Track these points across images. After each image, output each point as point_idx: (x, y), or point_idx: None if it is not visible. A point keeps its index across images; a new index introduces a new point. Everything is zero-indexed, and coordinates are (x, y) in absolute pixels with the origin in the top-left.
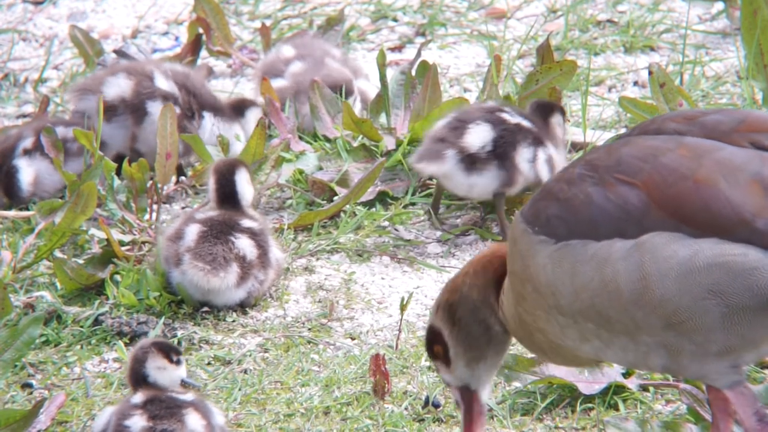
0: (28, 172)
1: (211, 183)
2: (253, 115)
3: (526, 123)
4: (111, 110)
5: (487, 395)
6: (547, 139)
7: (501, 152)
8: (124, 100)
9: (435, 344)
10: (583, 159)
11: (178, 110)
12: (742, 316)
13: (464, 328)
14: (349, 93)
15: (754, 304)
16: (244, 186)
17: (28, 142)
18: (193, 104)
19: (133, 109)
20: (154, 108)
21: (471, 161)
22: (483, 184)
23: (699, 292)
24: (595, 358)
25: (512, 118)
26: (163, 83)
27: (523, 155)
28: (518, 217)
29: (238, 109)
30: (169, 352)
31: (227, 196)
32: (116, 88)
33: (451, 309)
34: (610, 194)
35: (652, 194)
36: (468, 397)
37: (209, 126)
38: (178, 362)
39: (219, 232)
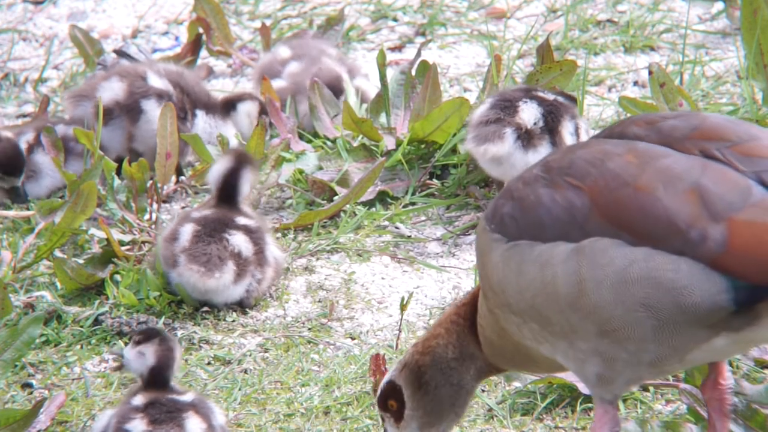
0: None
1: (216, 170)
2: (244, 108)
3: (561, 98)
4: (107, 114)
5: None
6: (575, 111)
7: (551, 128)
8: (118, 103)
9: (390, 399)
10: (544, 159)
11: None
12: (673, 329)
13: (432, 392)
14: (339, 92)
15: (684, 320)
16: (245, 182)
17: (28, 138)
18: (186, 103)
19: (128, 109)
20: (149, 106)
21: (528, 138)
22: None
23: (632, 303)
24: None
25: (548, 95)
26: (157, 82)
27: (567, 129)
28: (483, 214)
29: (230, 103)
30: None
31: (229, 187)
32: (110, 92)
33: (420, 371)
34: (558, 197)
35: (595, 199)
36: None
37: (201, 124)
38: None
39: (213, 230)
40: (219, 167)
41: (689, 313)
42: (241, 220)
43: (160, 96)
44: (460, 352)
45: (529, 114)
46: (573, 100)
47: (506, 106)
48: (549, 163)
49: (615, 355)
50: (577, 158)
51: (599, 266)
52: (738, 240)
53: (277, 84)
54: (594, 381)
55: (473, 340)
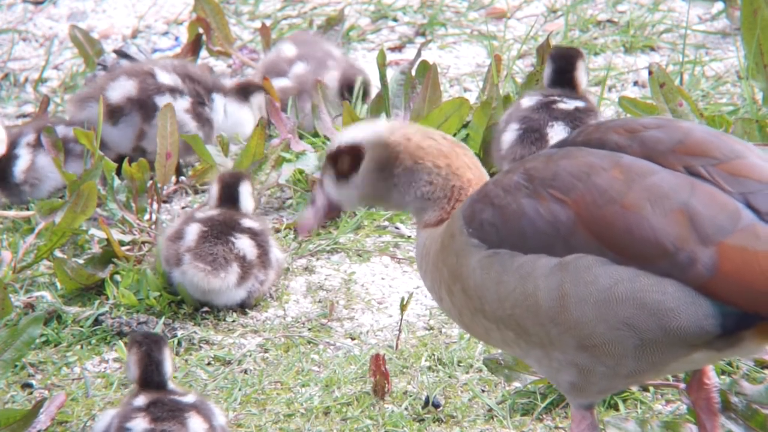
0: (25, 160)
1: (214, 191)
2: (256, 101)
3: (580, 104)
4: (117, 112)
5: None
6: (593, 108)
7: None
8: (130, 99)
9: (347, 158)
10: (523, 166)
11: (188, 101)
12: (654, 348)
13: (387, 181)
14: (368, 86)
15: (667, 341)
16: (247, 198)
17: (28, 139)
18: (200, 90)
19: (141, 105)
20: (163, 101)
21: None
22: None
23: (615, 322)
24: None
25: (568, 105)
26: (166, 78)
27: None
28: (458, 213)
29: (243, 92)
30: None
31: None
32: (120, 90)
33: (395, 163)
34: (541, 209)
35: (581, 214)
36: (326, 205)
37: (221, 107)
38: None
39: (219, 232)
40: (214, 190)
41: (673, 335)
42: (246, 223)
43: (173, 91)
44: (436, 191)
45: (559, 138)
46: (578, 54)
47: (536, 138)
48: (530, 172)
49: (592, 367)
50: (561, 170)
51: (583, 283)
52: (728, 266)
53: (281, 83)
54: (567, 388)
55: (448, 209)
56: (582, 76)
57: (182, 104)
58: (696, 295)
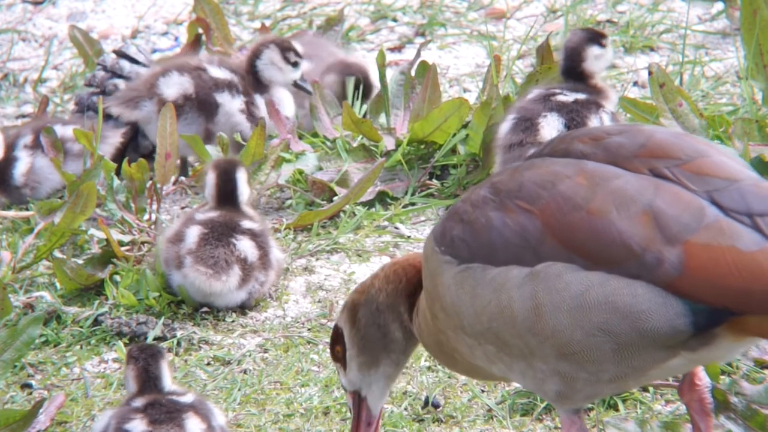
0: (24, 162)
1: (210, 179)
2: (267, 56)
3: (581, 96)
4: (176, 109)
5: (378, 407)
6: (601, 99)
7: None
8: (188, 97)
9: (336, 344)
10: (490, 181)
11: (243, 98)
12: (632, 351)
13: (362, 330)
14: (368, 88)
15: (643, 343)
16: (243, 185)
17: (27, 140)
18: (249, 86)
19: (201, 103)
20: (223, 99)
21: None
22: None
23: (590, 328)
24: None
25: (568, 98)
26: (217, 72)
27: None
28: (430, 234)
29: (251, 59)
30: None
31: (227, 194)
32: (177, 87)
33: (354, 309)
34: (509, 220)
35: (547, 223)
36: (358, 404)
37: (263, 106)
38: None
39: (220, 234)
40: (210, 177)
41: (648, 336)
42: (246, 224)
43: (230, 86)
44: (390, 303)
45: (550, 130)
46: (602, 36)
47: (527, 127)
48: (497, 185)
49: (575, 375)
50: (527, 181)
51: (555, 291)
52: (695, 263)
53: None
54: (554, 397)
55: (404, 302)
56: (593, 66)
57: (236, 104)
58: (666, 294)
